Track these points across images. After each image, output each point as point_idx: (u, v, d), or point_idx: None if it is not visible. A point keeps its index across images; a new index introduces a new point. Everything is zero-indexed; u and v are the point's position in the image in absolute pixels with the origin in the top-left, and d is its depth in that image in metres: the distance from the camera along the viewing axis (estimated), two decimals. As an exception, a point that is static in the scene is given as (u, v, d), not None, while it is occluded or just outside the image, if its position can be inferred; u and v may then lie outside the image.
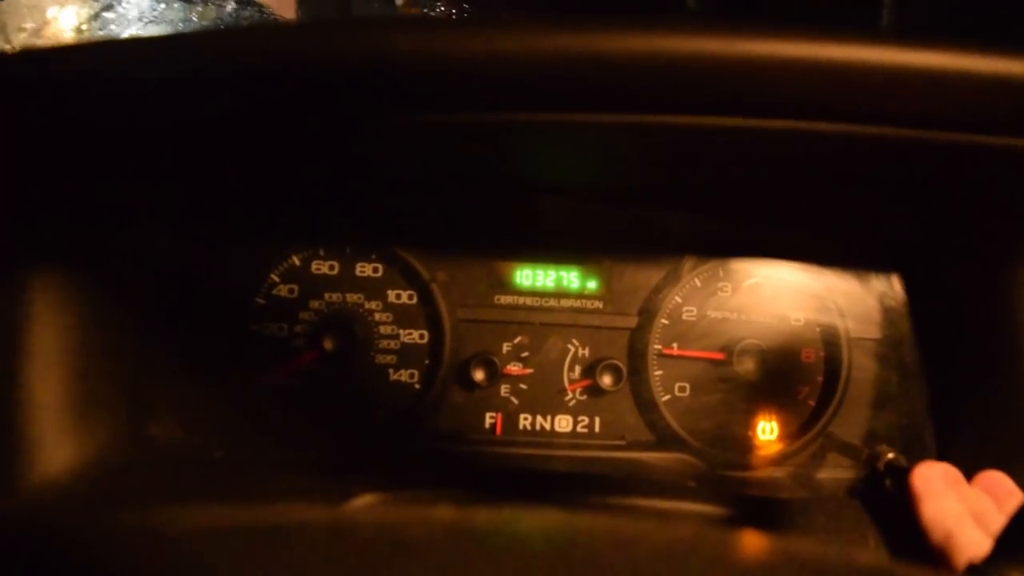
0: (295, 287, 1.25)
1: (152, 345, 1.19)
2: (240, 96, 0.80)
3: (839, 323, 1.29)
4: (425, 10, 2.36)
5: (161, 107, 0.83)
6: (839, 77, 0.74)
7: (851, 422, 1.29)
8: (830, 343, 1.31)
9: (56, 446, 1.03)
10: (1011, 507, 0.96)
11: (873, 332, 1.31)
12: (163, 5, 1.78)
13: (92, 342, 1.08)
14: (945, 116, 0.79)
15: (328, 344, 1.23)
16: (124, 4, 1.74)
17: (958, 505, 0.98)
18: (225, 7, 1.84)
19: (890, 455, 1.17)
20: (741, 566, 0.59)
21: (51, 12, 1.66)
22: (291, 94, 0.79)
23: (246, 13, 1.86)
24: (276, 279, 1.25)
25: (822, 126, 0.81)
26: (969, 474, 1.13)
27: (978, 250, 1.20)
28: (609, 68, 0.74)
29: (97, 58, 0.83)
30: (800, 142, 0.85)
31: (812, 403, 1.31)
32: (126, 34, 1.68)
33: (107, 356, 1.12)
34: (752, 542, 1.01)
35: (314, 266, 1.26)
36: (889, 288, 1.31)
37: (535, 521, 0.96)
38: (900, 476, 1.14)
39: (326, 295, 1.25)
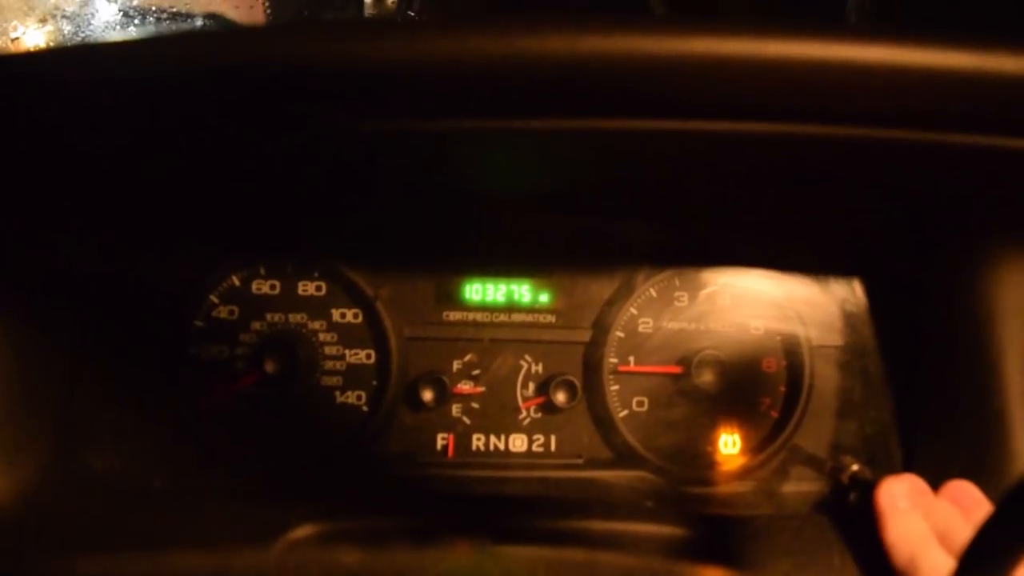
0: (235, 308, 1.21)
1: (85, 371, 1.14)
2: (172, 101, 0.76)
3: (800, 331, 1.26)
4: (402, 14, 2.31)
5: (88, 113, 0.79)
6: (791, 75, 0.71)
7: (815, 433, 1.25)
8: (791, 352, 1.27)
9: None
10: (979, 518, 0.92)
11: (835, 339, 1.27)
12: (132, 25, 1.75)
13: (16, 368, 1.04)
14: (905, 113, 0.76)
15: (270, 367, 1.18)
16: (92, 23, 1.70)
17: (922, 525, 0.93)
18: (194, 22, 1.81)
19: (854, 467, 1.13)
20: None
21: (17, 32, 1.63)
22: (220, 100, 0.75)
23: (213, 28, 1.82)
24: (215, 300, 1.20)
25: (771, 127, 0.77)
26: (936, 483, 1.09)
27: (940, 254, 1.16)
28: (543, 71, 0.70)
29: (26, 63, 0.80)
30: (752, 143, 0.81)
31: (775, 414, 1.27)
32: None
33: (34, 382, 1.07)
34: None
35: (255, 286, 1.21)
36: (850, 294, 1.27)
37: (487, 561, 0.92)
38: (865, 489, 1.10)
39: (267, 316, 1.21)
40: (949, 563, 0.84)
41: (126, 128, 0.81)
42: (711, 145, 0.83)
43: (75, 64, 0.77)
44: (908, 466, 1.17)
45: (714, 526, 1.06)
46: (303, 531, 0.99)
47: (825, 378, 1.26)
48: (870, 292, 1.27)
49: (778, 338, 1.28)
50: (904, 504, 0.96)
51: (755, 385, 1.27)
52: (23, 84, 0.76)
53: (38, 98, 0.75)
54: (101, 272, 1.15)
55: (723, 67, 0.70)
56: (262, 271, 1.21)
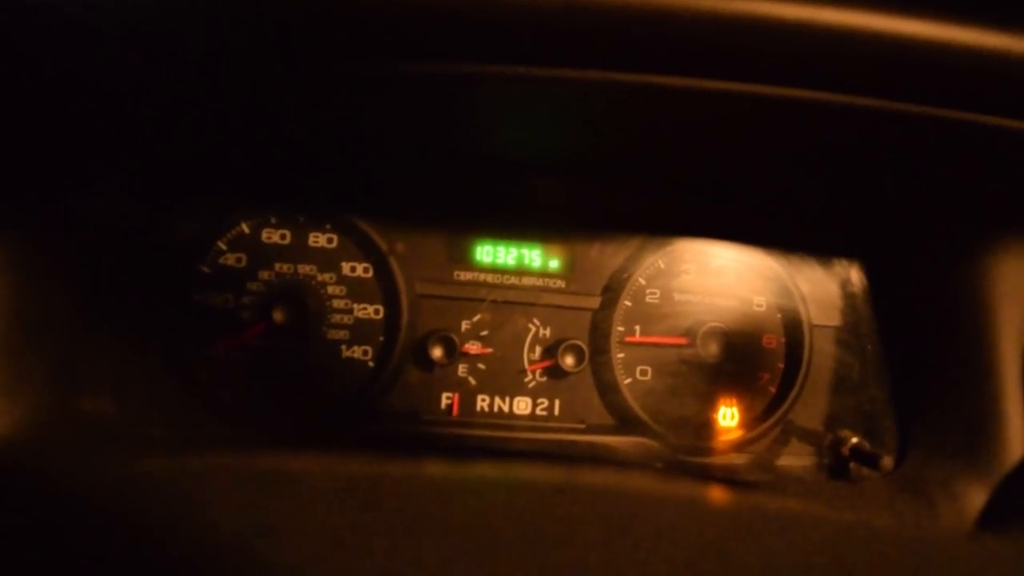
0: (243, 256, 1.18)
1: (86, 315, 1.11)
2: (188, 34, 0.74)
3: (801, 309, 1.28)
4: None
5: (102, 46, 0.76)
6: (816, 40, 0.72)
7: (812, 409, 1.28)
8: (792, 329, 1.29)
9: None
10: None
11: (835, 319, 1.29)
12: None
13: (20, 310, 1.00)
14: (920, 87, 0.78)
15: (277, 317, 1.17)
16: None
17: None
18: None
19: (854, 440, 1.16)
20: (711, 514, 0.56)
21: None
22: (237, 36, 0.74)
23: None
24: (223, 247, 1.18)
25: (794, 92, 0.79)
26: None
27: (940, 239, 1.19)
28: (582, 18, 0.71)
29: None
30: (771, 109, 0.82)
31: (773, 389, 1.29)
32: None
33: (36, 325, 1.04)
34: (721, 494, 0.98)
35: (264, 234, 1.19)
36: (851, 275, 1.30)
37: (494, 472, 0.92)
38: (865, 459, 1.12)
39: (276, 265, 1.19)
40: None
41: (139, 61, 0.79)
42: (739, 110, 0.84)
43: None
44: (903, 444, 1.19)
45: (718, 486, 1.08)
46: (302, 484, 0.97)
47: (824, 356, 1.29)
48: (870, 274, 1.30)
49: (779, 315, 1.30)
50: None
51: (755, 360, 1.29)
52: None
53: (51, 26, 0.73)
54: (109, 214, 1.12)
55: (763, 27, 0.71)
56: (273, 220, 1.19)
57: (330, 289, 1.20)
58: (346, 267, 1.21)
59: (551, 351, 1.24)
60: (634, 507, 0.86)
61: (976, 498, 1.06)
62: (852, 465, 1.16)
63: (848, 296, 1.30)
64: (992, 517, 1.04)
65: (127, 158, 1.10)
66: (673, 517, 0.85)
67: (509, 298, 1.24)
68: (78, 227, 1.06)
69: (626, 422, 1.24)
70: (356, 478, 0.96)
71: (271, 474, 0.98)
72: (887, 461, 1.09)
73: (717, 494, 0.96)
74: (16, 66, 0.79)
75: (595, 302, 1.26)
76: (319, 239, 1.20)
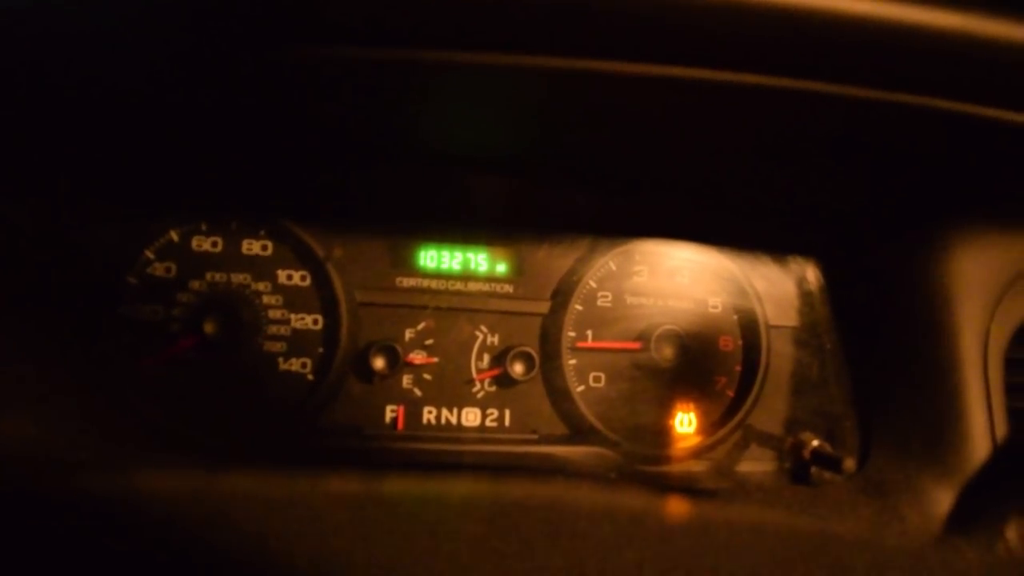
0: (172, 265, 1.12)
1: (3, 328, 1.04)
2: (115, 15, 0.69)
3: (757, 309, 1.25)
4: None
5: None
6: (768, 23, 0.69)
7: (771, 412, 1.24)
8: (748, 331, 1.26)
9: None
10: None
11: (792, 319, 1.26)
12: None
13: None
14: (875, 72, 0.75)
15: (210, 329, 1.10)
16: None
17: None
18: None
19: (815, 443, 1.13)
20: (665, 527, 0.52)
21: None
22: (163, 25, 0.69)
23: None
24: (151, 256, 1.12)
25: (744, 77, 0.76)
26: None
27: (895, 234, 1.17)
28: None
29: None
30: (722, 98, 0.79)
31: (731, 393, 1.25)
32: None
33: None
34: (677, 505, 0.94)
35: (195, 242, 1.13)
36: (807, 274, 1.27)
37: (449, 488, 0.87)
38: (827, 462, 1.09)
39: (208, 275, 1.13)
40: None
41: (60, 56, 0.74)
42: (688, 99, 0.81)
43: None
44: (865, 443, 1.16)
45: (679, 497, 1.03)
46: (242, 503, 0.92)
47: (781, 357, 1.25)
48: (827, 272, 1.27)
49: (735, 316, 1.26)
50: None
51: (712, 363, 1.25)
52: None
53: None
54: (26, 224, 1.05)
55: (714, 7, 0.68)
56: (204, 227, 1.13)
57: (265, 299, 1.14)
58: (282, 275, 1.15)
59: (500, 359, 1.19)
60: (587, 522, 0.82)
61: (941, 499, 1.03)
62: (813, 469, 1.12)
63: (805, 295, 1.27)
64: (959, 520, 1.00)
65: (43, 161, 1.04)
66: (628, 531, 0.81)
67: (454, 305, 1.19)
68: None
69: (580, 431, 1.19)
70: (296, 497, 0.90)
71: (204, 496, 0.93)
72: (849, 463, 1.05)
73: (672, 505, 0.92)
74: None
75: (544, 307, 1.21)
76: (253, 246, 1.15)
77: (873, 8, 0.69)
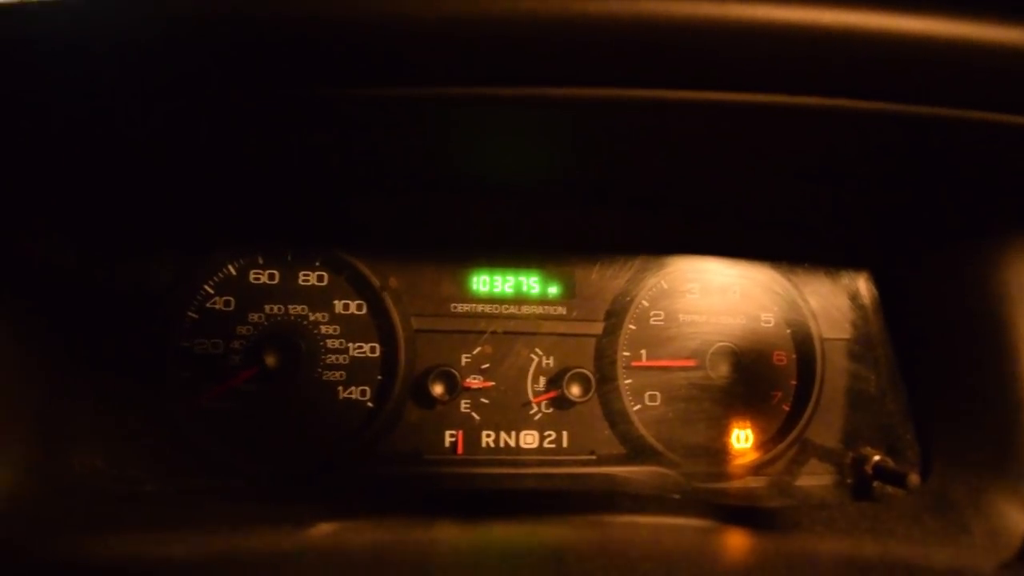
0: (231, 299, 1.14)
1: (70, 367, 1.06)
2: (164, 60, 0.70)
3: (811, 323, 1.24)
4: None
5: (79, 75, 0.72)
6: (817, 44, 0.69)
7: (828, 426, 1.23)
8: (802, 345, 1.25)
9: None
10: None
11: (846, 331, 1.26)
12: None
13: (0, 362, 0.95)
14: (923, 87, 0.75)
15: (270, 360, 1.12)
16: None
17: None
18: None
19: (876, 457, 1.12)
20: (740, 565, 0.52)
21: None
22: (213, 61, 0.70)
23: None
24: (210, 291, 1.13)
25: (794, 99, 0.76)
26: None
27: (948, 243, 1.16)
28: (576, 35, 0.67)
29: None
30: (773, 119, 0.79)
31: (787, 408, 1.25)
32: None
33: (19, 378, 0.99)
34: (747, 542, 0.94)
35: (252, 275, 1.15)
36: (859, 285, 1.27)
37: (513, 535, 0.87)
38: (891, 478, 1.08)
39: (266, 307, 1.14)
40: None
41: (126, 98, 0.75)
42: (739, 121, 0.81)
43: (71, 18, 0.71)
44: (926, 456, 1.15)
45: (741, 517, 1.03)
46: (320, 528, 0.92)
47: (837, 370, 1.25)
48: (880, 283, 1.26)
49: (788, 331, 1.26)
50: None
51: (767, 379, 1.25)
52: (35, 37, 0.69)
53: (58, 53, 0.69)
54: (87, 264, 1.07)
55: (764, 32, 0.68)
56: (260, 260, 1.15)
57: (323, 329, 1.16)
58: (339, 305, 1.16)
59: (556, 381, 1.19)
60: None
61: (1008, 513, 1.02)
62: (876, 484, 1.11)
63: (858, 307, 1.26)
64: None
65: (106, 203, 1.06)
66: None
67: (509, 328, 1.20)
68: (49, 277, 1.02)
69: (638, 451, 1.20)
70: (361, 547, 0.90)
71: (272, 533, 0.94)
72: (914, 478, 1.05)
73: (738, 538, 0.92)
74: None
75: (598, 328, 1.21)
76: (309, 277, 1.16)
77: (922, 25, 0.69)
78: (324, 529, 0.93)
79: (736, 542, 0.94)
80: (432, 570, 0.80)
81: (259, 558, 0.87)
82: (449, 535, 0.87)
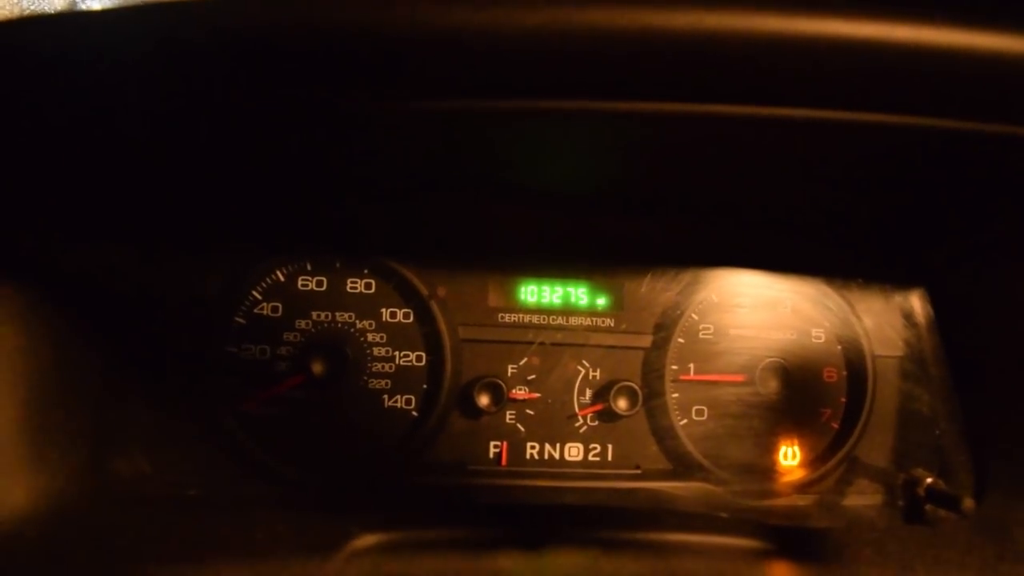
0: (279, 305, 1.13)
1: (117, 371, 1.06)
2: (208, 71, 0.69)
3: (862, 339, 1.22)
4: None
5: (110, 86, 0.71)
6: (878, 59, 0.67)
7: (878, 445, 1.21)
8: (853, 361, 1.23)
9: (7, 485, 0.90)
10: None
11: (898, 348, 1.23)
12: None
13: (48, 367, 0.95)
14: (979, 103, 0.72)
15: (316, 368, 1.11)
16: None
17: None
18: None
19: (929, 480, 1.10)
20: None
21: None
22: (259, 71, 0.69)
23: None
24: (258, 296, 1.13)
25: (851, 115, 0.74)
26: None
27: (1004, 259, 1.13)
28: (629, 48, 0.66)
29: (39, 30, 0.72)
30: (834, 133, 0.77)
31: (835, 426, 1.23)
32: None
33: (65, 383, 0.99)
34: (797, 571, 0.92)
35: (300, 282, 1.14)
36: (914, 303, 1.24)
37: (561, 565, 0.86)
38: (944, 501, 1.06)
39: (313, 314, 1.14)
40: None
41: (179, 100, 0.74)
42: (793, 136, 0.80)
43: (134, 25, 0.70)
44: (980, 480, 1.13)
45: (789, 539, 1.01)
46: (365, 540, 0.92)
47: (888, 388, 1.22)
48: (934, 300, 1.23)
49: (839, 347, 1.24)
50: None
51: (816, 395, 1.23)
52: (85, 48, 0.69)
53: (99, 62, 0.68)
54: (137, 270, 1.08)
55: (819, 47, 0.66)
56: (308, 266, 1.14)
57: (370, 336, 1.15)
58: (386, 313, 1.16)
59: (602, 394, 1.18)
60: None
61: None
62: (928, 507, 1.09)
63: (911, 324, 1.24)
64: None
65: (152, 209, 1.06)
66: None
67: (557, 339, 1.18)
68: (102, 284, 1.02)
69: (684, 466, 1.18)
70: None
71: (316, 540, 0.93)
72: (968, 503, 1.03)
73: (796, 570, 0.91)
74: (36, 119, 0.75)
75: (647, 340, 1.20)
76: (357, 285, 1.15)
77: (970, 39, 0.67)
78: (368, 541, 0.93)
79: (786, 571, 0.93)
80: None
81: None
82: (507, 565, 0.86)
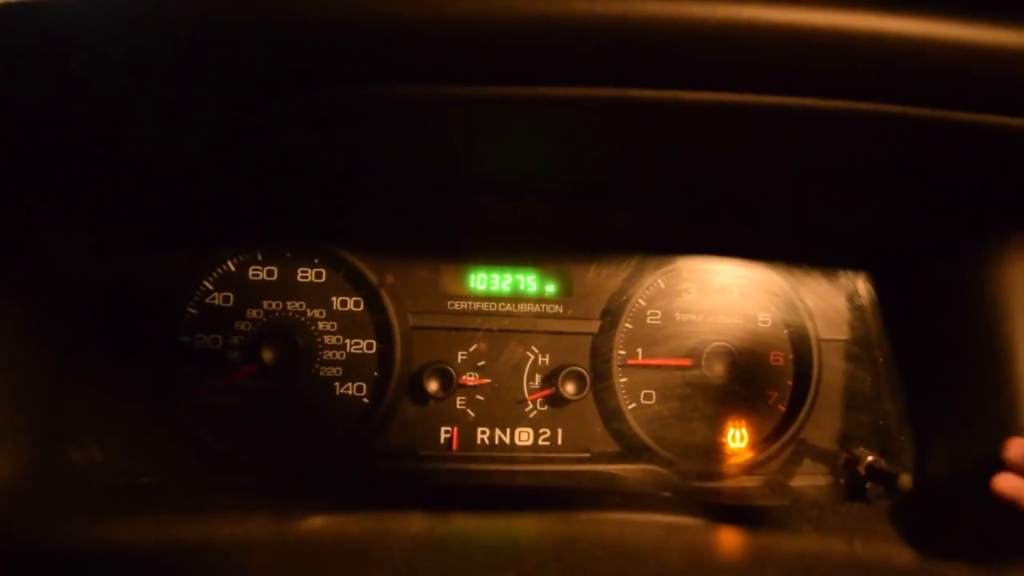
0: (230, 295, 1.15)
1: (69, 361, 1.07)
2: (161, 61, 0.71)
3: (808, 324, 1.24)
4: None
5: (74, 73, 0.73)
6: (819, 46, 0.69)
7: (824, 426, 1.24)
8: (799, 345, 1.25)
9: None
10: None
11: (843, 332, 1.25)
12: None
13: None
14: (922, 89, 0.74)
15: (267, 356, 1.13)
16: None
17: None
18: None
19: (870, 458, 1.12)
20: (725, 562, 0.53)
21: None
22: (211, 61, 0.71)
23: None
24: (209, 286, 1.15)
25: (793, 100, 0.75)
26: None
27: (947, 244, 1.15)
28: (582, 34, 0.67)
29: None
30: (771, 120, 0.79)
31: (782, 408, 1.25)
32: None
33: (16, 373, 1.01)
34: (735, 539, 0.94)
35: (251, 272, 1.16)
36: (857, 286, 1.26)
37: (507, 527, 0.88)
38: (882, 478, 1.08)
39: (265, 303, 1.15)
40: None
41: (118, 100, 0.76)
42: (737, 122, 0.81)
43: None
44: (921, 457, 1.15)
45: (731, 516, 1.04)
46: (314, 521, 0.94)
47: (833, 371, 1.25)
48: (878, 285, 1.26)
49: (785, 331, 1.26)
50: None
51: (763, 378, 1.25)
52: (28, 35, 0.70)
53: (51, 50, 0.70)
54: (88, 261, 1.09)
55: (762, 34, 0.68)
56: (259, 256, 1.16)
57: (321, 325, 1.17)
58: (336, 302, 1.17)
59: (551, 379, 1.20)
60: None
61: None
62: (869, 485, 1.12)
63: (856, 308, 1.26)
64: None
65: (103, 199, 1.07)
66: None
67: (505, 326, 1.20)
68: (53, 273, 1.04)
69: (632, 449, 1.20)
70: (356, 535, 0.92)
71: (267, 522, 0.95)
72: (905, 479, 1.05)
73: (730, 536, 0.92)
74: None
75: (595, 326, 1.22)
76: (308, 274, 1.17)
77: (921, 28, 0.69)
78: (317, 522, 0.95)
79: (722, 538, 0.95)
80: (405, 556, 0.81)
81: (252, 542, 0.89)
82: (422, 526, 0.89)
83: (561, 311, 1.22)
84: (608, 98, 0.75)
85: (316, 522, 0.95)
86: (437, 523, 0.90)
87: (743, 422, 1.24)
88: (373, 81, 0.73)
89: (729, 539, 0.95)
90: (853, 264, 1.27)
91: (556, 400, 1.20)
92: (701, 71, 0.72)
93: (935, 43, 0.69)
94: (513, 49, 0.69)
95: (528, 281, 1.22)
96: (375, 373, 1.17)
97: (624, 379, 1.21)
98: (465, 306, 1.20)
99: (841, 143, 0.87)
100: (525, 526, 0.93)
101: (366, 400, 1.17)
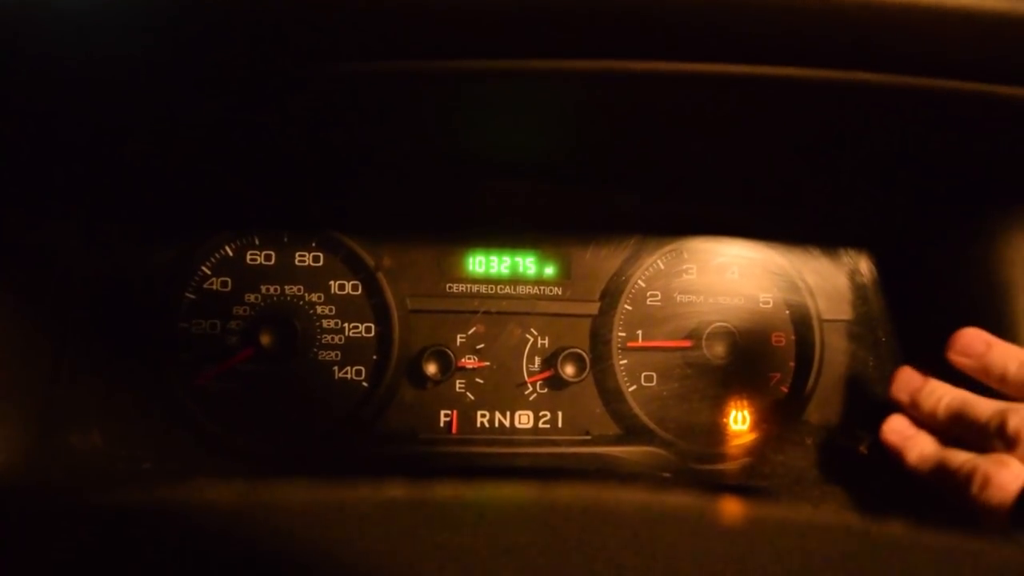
0: (228, 280, 1.15)
1: (69, 347, 1.08)
2: (155, 37, 0.71)
3: (810, 304, 1.23)
4: None
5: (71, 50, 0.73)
6: (818, 13, 0.68)
7: (826, 407, 1.23)
8: (801, 325, 1.24)
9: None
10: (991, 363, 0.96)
11: (845, 312, 1.24)
12: None
13: (-2, 343, 0.97)
14: (924, 58, 0.73)
15: (266, 340, 1.13)
16: None
17: (933, 443, 0.97)
18: None
19: (869, 438, 1.11)
20: (723, 531, 0.52)
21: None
22: (205, 37, 0.70)
23: None
24: (207, 271, 1.15)
25: (792, 71, 0.74)
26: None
27: (950, 222, 1.14)
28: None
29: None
30: (780, 93, 0.78)
31: (785, 389, 1.24)
32: None
33: (16, 359, 1.01)
34: (734, 515, 0.93)
35: (249, 256, 1.16)
36: (860, 266, 1.25)
37: (502, 493, 0.88)
38: (882, 458, 1.07)
39: (262, 287, 1.15)
40: (977, 458, 0.88)
41: (113, 80, 0.75)
42: (736, 95, 0.80)
43: None
44: (924, 438, 1.14)
45: (730, 495, 1.03)
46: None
47: (836, 352, 1.24)
48: (880, 264, 1.25)
49: (787, 312, 1.25)
50: (910, 431, 0.99)
51: (765, 360, 1.24)
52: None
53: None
54: (86, 245, 1.09)
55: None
56: (256, 240, 1.16)
57: (319, 309, 1.17)
58: (334, 285, 1.17)
59: (550, 361, 1.19)
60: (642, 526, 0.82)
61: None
62: (870, 463, 1.11)
63: (858, 288, 1.25)
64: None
65: (98, 186, 1.07)
66: (685, 536, 0.81)
67: (504, 308, 1.20)
68: (52, 261, 1.04)
69: (633, 431, 1.20)
70: (358, 503, 0.92)
71: (268, 505, 0.95)
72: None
73: (730, 508, 0.92)
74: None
75: (594, 308, 1.21)
76: (305, 258, 1.17)
77: None
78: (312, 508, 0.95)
79: (721, 515, 0.94)
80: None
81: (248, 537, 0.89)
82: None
83: (560, 293, 1.21)
84: (599, 70, 0.74)
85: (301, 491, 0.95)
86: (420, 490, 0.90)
87: (745, 403, 1.23)
88: (358, 56, 0.72)
89: (728, 515, 0.95)
90: (855, 243, 1.26)
91: (556, 382, 1.20)
92: (700, 41, 0.71)
93: (936, 9, 0.68)
94: (503, 21, 0.68)
95: (527, 263, 1.21)
96: (374, 356, 1.17)
97: (624, 361, 1.20)
98: (464, 289, 1.20)
99: (848, 116, 0.86)
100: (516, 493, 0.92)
101: (365, 384, 1.17)
